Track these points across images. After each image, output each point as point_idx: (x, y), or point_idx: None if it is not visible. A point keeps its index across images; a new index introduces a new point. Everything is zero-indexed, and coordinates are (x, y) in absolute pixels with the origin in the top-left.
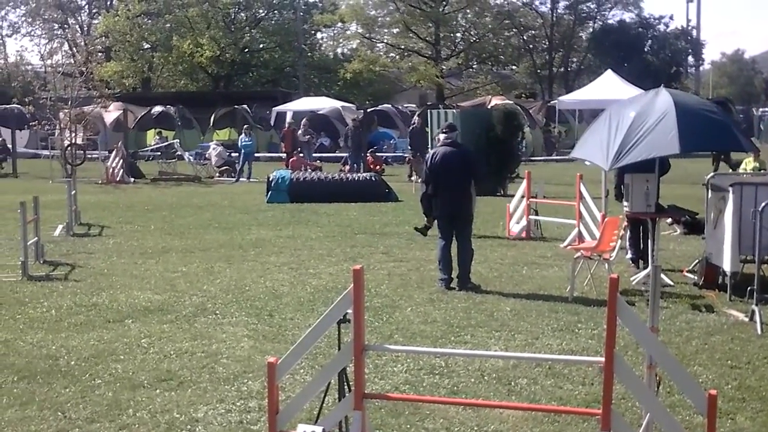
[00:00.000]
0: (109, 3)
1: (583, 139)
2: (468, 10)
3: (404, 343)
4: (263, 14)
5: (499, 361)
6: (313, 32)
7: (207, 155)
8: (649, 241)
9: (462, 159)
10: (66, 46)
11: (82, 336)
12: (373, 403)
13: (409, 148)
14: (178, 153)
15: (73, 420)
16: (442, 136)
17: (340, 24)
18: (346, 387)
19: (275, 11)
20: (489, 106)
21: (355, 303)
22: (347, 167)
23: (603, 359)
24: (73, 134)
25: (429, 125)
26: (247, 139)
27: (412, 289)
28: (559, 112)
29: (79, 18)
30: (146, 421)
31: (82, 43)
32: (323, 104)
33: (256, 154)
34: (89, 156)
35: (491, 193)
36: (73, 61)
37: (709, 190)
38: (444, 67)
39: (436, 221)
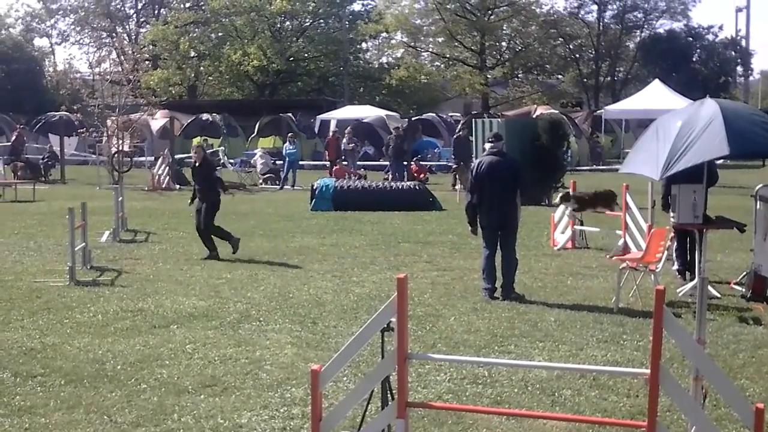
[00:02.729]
0: (156, 12)
1: (631, 154)
2: (514, 20)
3: (447, 352)
4: (309, 23)
5: (542, 371)
6: (358, 41)
7: (252, 162)
8: (696, 252)
9: (508, 168)
10: (114, 55)
11: (128, 341)
12: (416, 411)
13: (453, 157)
14: (222, 161)
15: (118, 424)
16: (488, 146)
17: (385, 33)
18: (389, 395)
19: (321, 21)
20: (534, 116)
21: (398, 311)
22: (390, 176)
23: (649, 371)
24: (121, 141)
25: (474, 134)
26: (291, 147)
27: (455, 299)
28: (606, 121)
29: (127, 26)
30: (191, 426)
31: (130, 52)
32: (367, 113)
33: (300, 162)
34: (136, 163)
35: (536, 202)
36: (120, 69)
37: (758, 201)
38: (489, 76)
39: (480, 231)
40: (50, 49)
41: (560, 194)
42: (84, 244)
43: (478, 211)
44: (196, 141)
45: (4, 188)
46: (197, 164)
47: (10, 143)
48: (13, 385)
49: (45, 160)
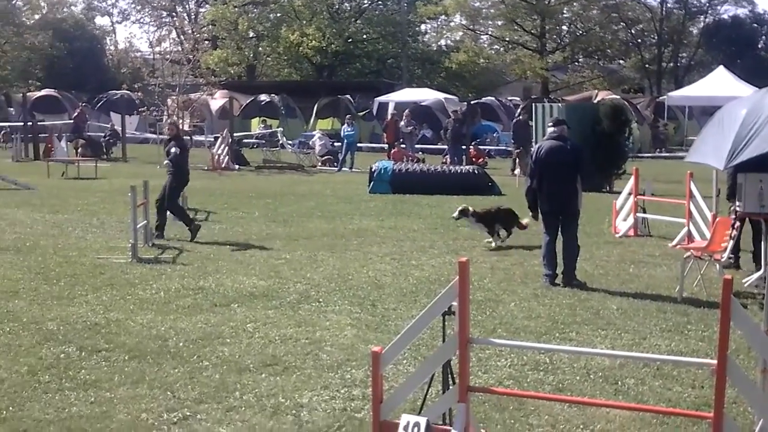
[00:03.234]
0: None
1: (696, 142)
2: (575, 3)
3: (507, 337)
4: (368, 5)
5: (605, 359)
6: (417, 23)
7: (311, 144)
8: (763, 242)
9: (569, 153)
10: (174, 34)
11: (190, 318)
12: (477, 396)
13: (513, 141)
14: (281, 142)
15: (182, 400)
16: (549, 130)
17: (444, 16)
18: (450, 379)
19: (379, 2)
20: (595, 101)
21: (460, 295)
22: (447, 159)
23: (715, 361)
24: (180, 120)
25: (533, 119)
26: (349, 129)
27: (515, 284)
28: (668, 108)
29: (186, 6)
30: (252, 404)
31: (190, 31)
32: (426, 95)
33: (358, 144)
34: (195, 142)
35: (597, 189)
36: (180, 49)
37: None
38: (549, 60)
39: (540, 216)
40: (111, 28)
41: (459, 208)
42: (146, 221)
43: (539, 196)
44: (255, 122)
45: (67, 165)
46: (169, 139)
47: (72, 120)
48: (78, 359)
49: (106, 138)
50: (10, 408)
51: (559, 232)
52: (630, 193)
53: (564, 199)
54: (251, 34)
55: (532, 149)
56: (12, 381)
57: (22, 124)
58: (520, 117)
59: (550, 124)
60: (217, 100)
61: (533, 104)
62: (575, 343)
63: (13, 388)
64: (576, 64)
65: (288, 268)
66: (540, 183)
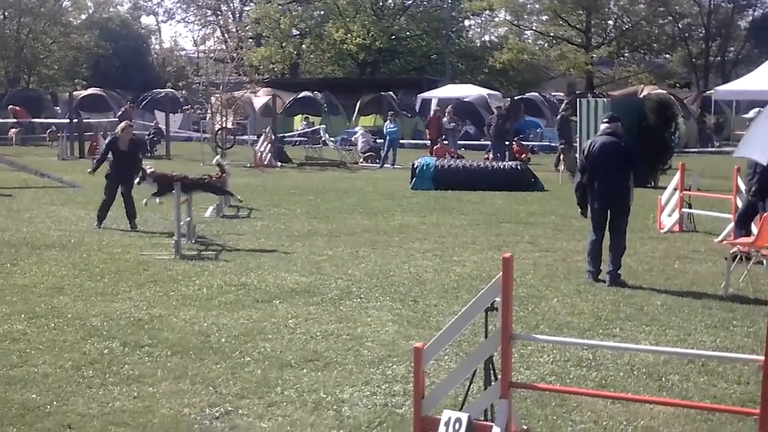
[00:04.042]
0: None
1: (744, 136)
2: None
3: (550, 333)
4: (411, 1)
5: (649, 355)
6: (460, 19)
7: (353, 140)
8: None
9: (622, 150)
10: (218, 32)
11: (232, 314)
12: (519, 392)
13: (557, 137)
14: (323, 139)
15: (223, 395)
16: (602, 126)
17: (488, 11)
18: (492, 375)
19: None
20: (641, 96)
21: (503, 291)
22: (490, 155)
23: (762, 358)
24: (224, 118)
25: (578, 114)
26: (392, 126)
27: (558, 280)
28: (715, 102)
29: (231, 4)
30: (294, 399)
31: (234, 30)
32: (469, 92)
33: (401, 141)
34: (238, 140)
35: (642, 184)
36: (224, 47)
37: None
38: (594, 55)
39: (589, 213)
40: (156, 27)
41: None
42: (189, 218)
43: (589, 193)
44: (298, 119)
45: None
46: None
47: (117, 119)
48: (122, 354)
49: (151, 136)
50: (55, 402)
51: (607, 230)
52: (675, 189)
53: (616, 195)
54: (294, 32)
55: (584, 145)
56: (56, 376)
57: (68, 122)
58: (564, 113)
59: (605, 120)
60: (260, 98)
61: (578, 100)
62: (619, 339)
63: (57, 383)
64: (622, 58)
65: (329, 265)
66: (591, 179)
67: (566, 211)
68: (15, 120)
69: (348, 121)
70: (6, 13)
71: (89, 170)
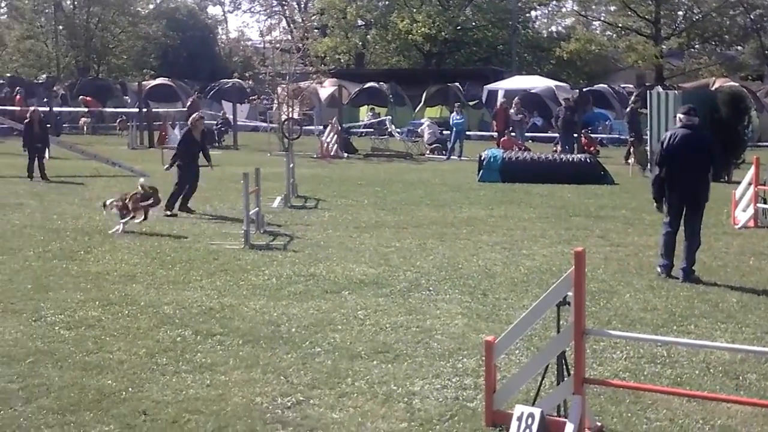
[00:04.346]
0: None
1: None
2: None
3: (623, 329)
4: None
5: (725, 353)
6: (527, 10)
7: (419, 132)
8: None
9: (702, 143)
10: (284, 23)
11: (302, 305)
12: (593, 388)
13: (627, 129)
14: (389, 130)
15: (294, 385)
16: (681, 117)
17: (555, 1)
18: (565, 370)
19: None
20: (713, 88)
21: (576, 286)
22: (558, 148)
23: None
24: (290, 109)
25: (648, 107)
26: (458, 117)
27: (630, 275)
28: None
29: None
30: (364, 390)
31: (299, 20)
32: (536, 83)
33: (467, 133)
34: (305, 130)
35: (715, 179)
36: (290, 38)
37: None
38: (664, 47)
39: (665, 207)
40: (223, 17)
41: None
42: (257, 208)
43: (666, 186)
44: (364, 110)
45: None
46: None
47: (185, 109)
48: (194, 342)
49: (218, 126)
50: (130, 389)
51: (682, 224)
52: (750, 183)
53: (695, 189)
54: (360, 22)
55: (663, 137)
56: (131, 363)
57: (137, 111)
58: (634, 105)
59: (683, 112)
60: (326, 89)
61: (647, 92)
62: (694, 336)
63: (132, 370)
64: (692, 50)
65: (397, 256)
66: (670, 172)
67: (637, 204)
68: (86, 109)
69: (414, 112)
70: (76, 3)
71: (165, 167)
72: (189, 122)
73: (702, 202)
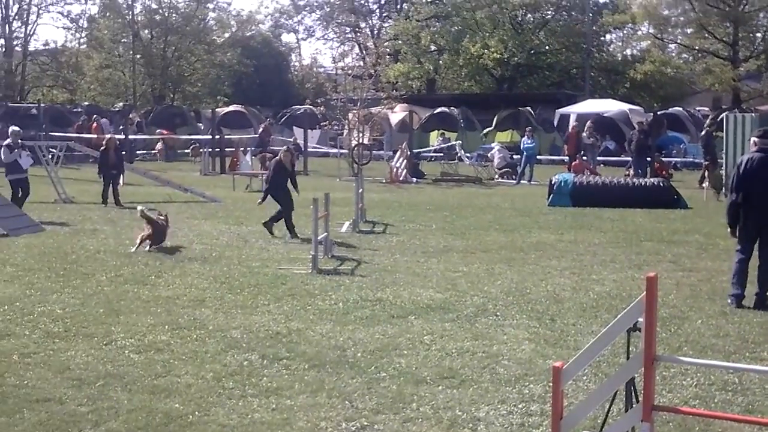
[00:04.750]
0: (399, 6)
1: None
2: None
3: (694, 356)
4: (551, 16)
5: None
6: (602, 33)
7: (489, 156)
8: None
9: None
10: (356, 49)
11: (368, 329)
12: (662, 416)
13: (703, 153)
14: (459, 154)
15: (359, 410)
16: (757, 141)
17: (630, 24)
18: (633, 397)
19: (564, 12)
20: None
21: (647, 311)
22: (631, 172)
23: None
24: (361, 134)
25: (725, 130)
26: (529, 142)
27: (702, 301)
28: None
29: (369, 21)
30: (429, 416)
31: (372, 46)
32: (609, 107)
33: (538, 157)
34: (375, 156)
35: None
36: (362, 63)
37: None
38: (741, 69)
39: (738, 232)
40: (296, 45)
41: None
42: (326, 233)
43: (741, 210)
44: (434, 135)
45: (251, 179)
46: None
47: (257, 135)
48: (260, 366)
49: None
50: (197, 413)
51: (757, 250)
52: None
53: None
54: (432, 48)
55: (740, 161)
56: (198, 386)
57: (210, 138)
58: (709, 128)
59: (758, 135)
60: (396, 114)
61: (724, 115)
62: (766, 364)
63: (199, 394)
64: None
65: (465, 281)
66: (747, 196)
67: (711, 229)
68: (161, 136)
69: (484, 137)
70: (153, 33)
71: (258, 202)
72: (279, 154)
73: None
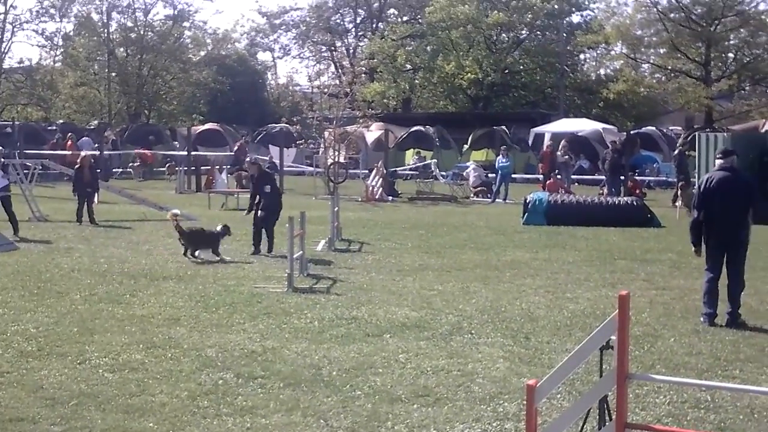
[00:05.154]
0: (374, 26)
1: None
2: (742, 30)
3: (667, 373)
4: (525, 35)
5: None
6: (576, 53)
7: (465, 175)
8: None
9: (740, 185)
10: (332, 68)
11: (343, 348)
12: None
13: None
14: (434, 173)
15: (334, 429)
16: (718, 161)
17: (604, 44)
18: (607, 415)
19: (538, 32)
20: (762, 130)
21: (619, 330)
22: (605, 190)
23: None
24: (337, 153)
25: (697, 149)
26: (504, 160)
27: (675, 319)
28: None
29: (345, 40)
30: None
31: (348, 65)
32: (583, 126)
33: (513, 176)
34: (351, 174)
35: (765, 221)
36: (338, 82)
37: None
38: (714, 89)
39: (704, 251)
40: (272, 63)
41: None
42: (302, 252)
43: (704, 229)
44: (410, 153)
45: (227, 197)
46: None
47: (232, 153)
48: (235, 385)
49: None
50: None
51: (725, 267)
52: None
53: (734, 232)
54: (408, 67)
55: (701, 180)
56: (173, 405)
57: (185, 154)
58: (682, 147)
59: (719, 155)
60: (372, 132)
61: (696, 134)
62: (738, 381)
63: (173, 413)
64: (742, 92)
65: (440, 300)
66: (709, 215)
67: (683, 248)
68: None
69: (459, 156)
70: (129, 51)
71: (246, 212)
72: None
73: (742, 245)
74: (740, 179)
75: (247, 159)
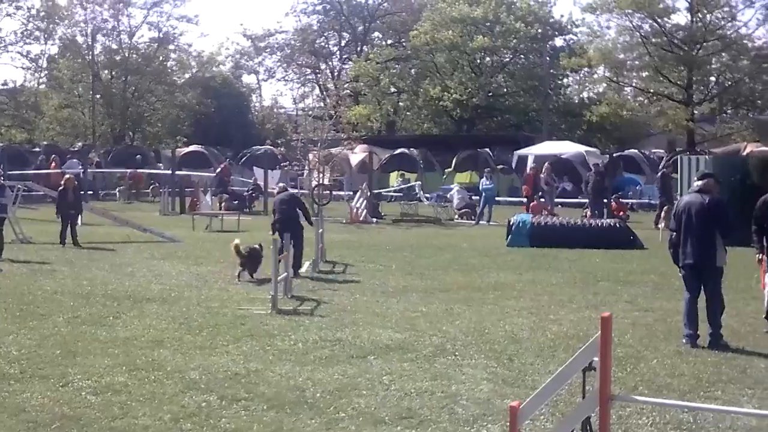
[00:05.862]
0: (359, 49)
1: None
2: (723, 54)
3: (649, 395)
4: (509, 59)
5: (752, 419)
6: (559, 77)
7: (449, 197)
8: None
9: (706, 207)
10: (317, 90)
11: (327, 370)
12: None
13: (659, 194)
14: (418, 195)
15: None
16: (695, 184)
17: (587, 68)
18: None
19: (521, 56)
20: (744, 153)
21: (602, 351)
22: (588, 213)
23: None
24: (321, 175)
25: (679, 172)
26: (487, 183)
27: (657, 341)
28: None
29: (330, 63)
30: None
31: (332, 87)
32: (567, 148)
33: (497, 198)
34: (335, 196)
35: (746, 243)
36: (323, 105)
37: None
38: (696, 112)
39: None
40: (257, 86)
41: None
42: (285, 274)
43: (679, 251)
44: (394, 176)
45: (211, 219)
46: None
47: (215, 175)
48: (219, 407)
49: (249, 192)
50: None
51: (702, 289)
52: None
53: (701, 253)
54: (392, 89)
55: (676, 202)
56: (156, 428)
57: (169, 175)
58: (665, 170)
59: (697, 177)
60: (357, 155)
61: (678, 157)
62: (720, 402)
63: None
64: (724, 115)
65: (424, 321)
66: (679, 237)
67: (666, 269)
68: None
69: (443, 178)
70: (114, 73)
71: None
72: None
73: (713, 266)
74: (710, 200)
75: (280, 184)
